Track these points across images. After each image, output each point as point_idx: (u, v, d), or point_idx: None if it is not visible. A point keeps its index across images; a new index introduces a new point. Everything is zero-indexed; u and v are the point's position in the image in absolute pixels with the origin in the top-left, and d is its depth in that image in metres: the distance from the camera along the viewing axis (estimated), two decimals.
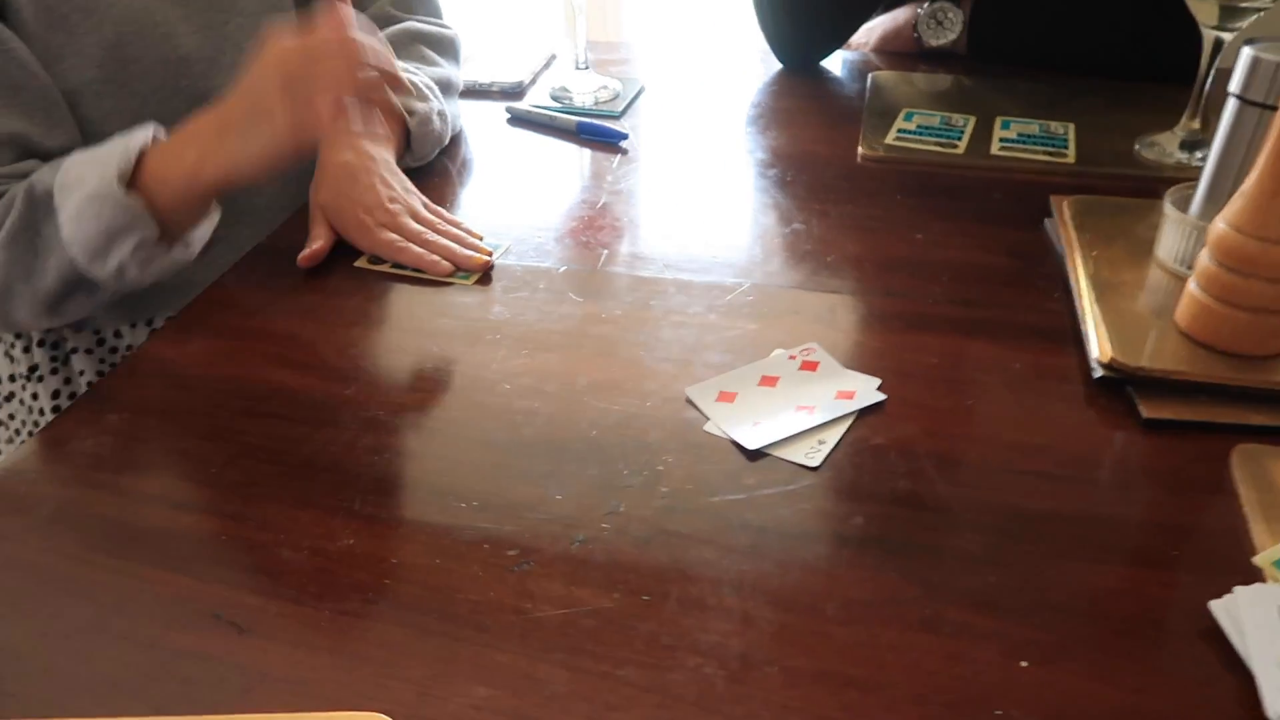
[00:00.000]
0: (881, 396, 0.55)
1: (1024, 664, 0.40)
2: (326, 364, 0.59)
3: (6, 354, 0.75)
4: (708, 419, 0.54)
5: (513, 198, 0.79)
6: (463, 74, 0.95)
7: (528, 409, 0.55)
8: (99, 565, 0.46)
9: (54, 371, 0.74)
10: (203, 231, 0.66)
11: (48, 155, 0.64)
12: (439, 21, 0.89)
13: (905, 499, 0.49)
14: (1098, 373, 0.56)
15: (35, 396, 0.75)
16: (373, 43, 0.59)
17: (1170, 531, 0.46)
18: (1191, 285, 0.56)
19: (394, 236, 0.68)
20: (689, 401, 0.55)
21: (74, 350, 0.74)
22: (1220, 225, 0.54)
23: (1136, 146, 0.83)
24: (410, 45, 0.84)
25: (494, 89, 0.99)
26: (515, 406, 0.55)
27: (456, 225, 0.71)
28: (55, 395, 0.75)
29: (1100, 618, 0.42)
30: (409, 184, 0.73)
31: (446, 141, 0.84)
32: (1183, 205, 0.63)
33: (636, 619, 0.43)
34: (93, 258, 0.59)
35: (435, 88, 0.80)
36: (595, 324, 0.63)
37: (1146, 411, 0.53)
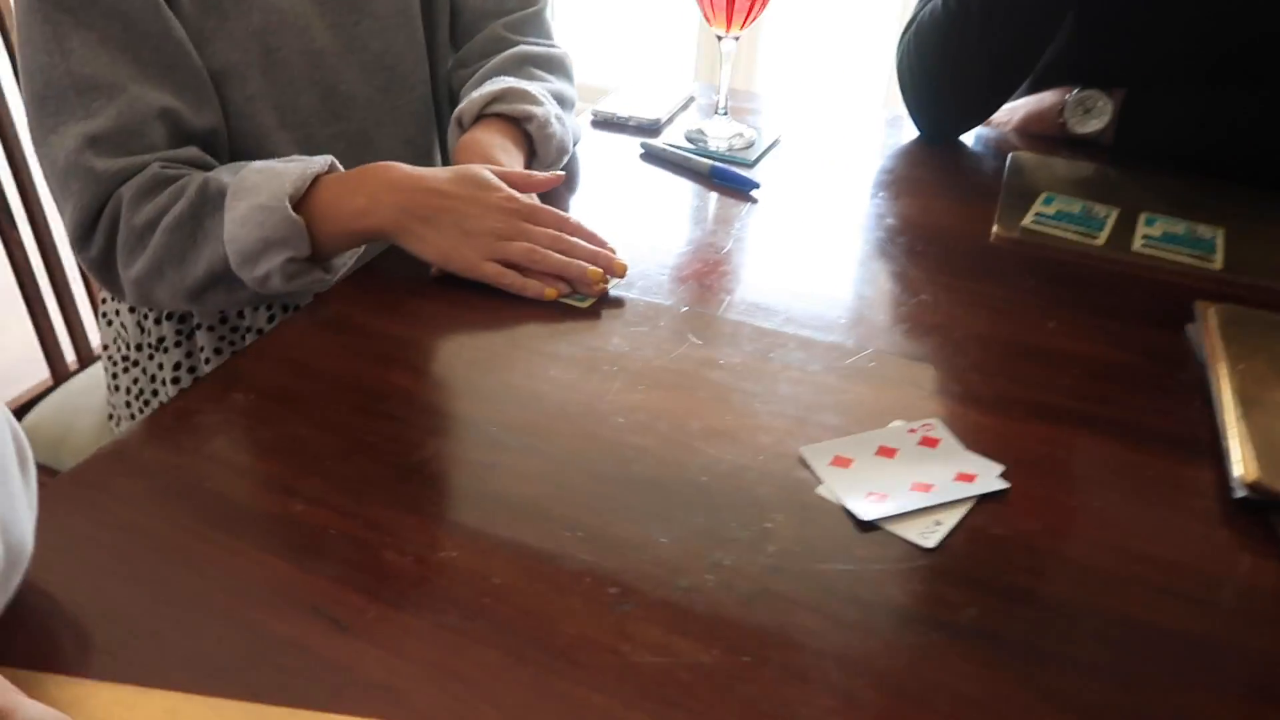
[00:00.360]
0: (1004, 485, 0.53)
1: None
2: (445, 372, 0.60)
3: (139, 324, 0.77)
4: (820, 481, 0.53)
5: (639, 231, 0.79)
6: (602, 107, 0.96)
7: (638, 446, 0.55)
8: (211, 540, 0.47)
9: (178, 344, 0.76)
10: (346, 259, 0.68)
11: (194, 134, 0.66)
12: (549, 42, 0.90)
13: (1023, 596, 0.46)
14: (1239, 493, 0.53)
15: (161, 367, 0.77)
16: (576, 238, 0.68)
17: None
18: None
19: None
20: (802, 461, 0.54)
21: (199, 326, 0.76)
22: None
23: None
24: (521, 68, 0.85)
25: (630, 123, 1.00)
26: (626, 442, 0.55)
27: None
28: (176, 368, 0.77)
29: None
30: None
31: (570, 150, 0.84)
32: None
33: (736, 680, 0.41)
34: (244, 261, 0.62)
35: (549, 96, 0.81)
36: (712, 369, 0.62)
37: None
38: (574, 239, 0.68)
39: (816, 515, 0.51)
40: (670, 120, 1.02)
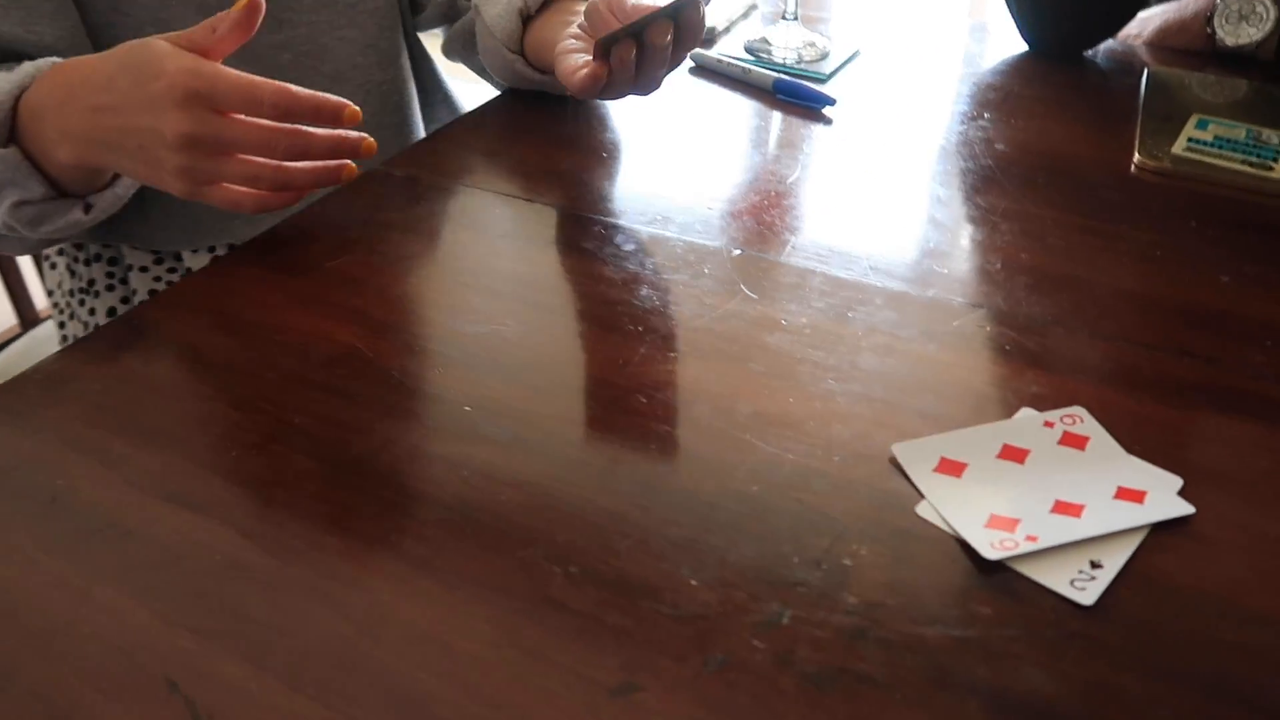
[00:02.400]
0: (1188, 508, 0.37)
1: None
2: (411, 331, 0.45)
3: (69, 267, 0.65)
4: (922, 496, 0.37)
5: (685, 159, 0.63)
6: None
7: (665, 438, 0.40)
8: (43, 570, 0.33)
9: (110, 289, 0.63)
10: (109, 200, 0.53)
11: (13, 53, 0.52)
12: None
13: (1234, 688, 0.31)
14: None
15: (92, 313, 0.64)
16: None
17: None
18: None
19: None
20: (895, 464, 0.39)
21: (130, 268, 0.63)
22: None
23: None
24: None
25: None
26: (649, 431, 0.40)
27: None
28: (111, 313, 0.64)
29: None
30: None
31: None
32: None
33: None
34: None
35: None
36: (772, 331, 0.46)
37: None
38: (291, 130, 0.47)
39: (918, 549, 0.35)
40: (728, 30, 0.86)
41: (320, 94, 0.47)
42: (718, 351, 0.45)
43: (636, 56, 0.54)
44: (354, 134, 0.49)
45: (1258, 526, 0.37)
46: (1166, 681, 0.31)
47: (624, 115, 0.69)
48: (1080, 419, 0.41)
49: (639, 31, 0.54)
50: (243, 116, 0.46)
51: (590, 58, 0.55)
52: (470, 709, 0.29)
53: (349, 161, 0.50)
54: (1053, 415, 0.42)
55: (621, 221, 0.55)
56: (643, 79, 0.56)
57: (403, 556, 0.34)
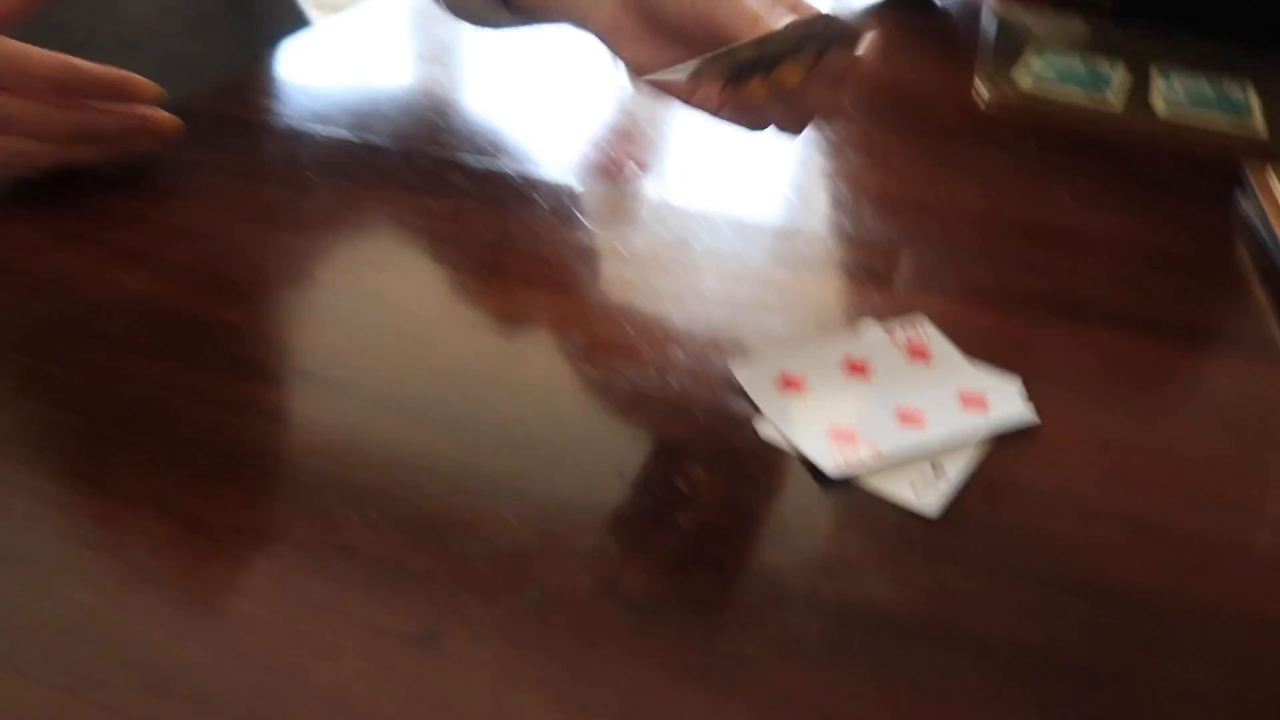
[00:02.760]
0: (1032, 414, 0.36)
1: None
2: (203, 270, 0.40)
3: None
4: (761, 413, 0.35)
5: (522, 90, 0.60)
6: None
7: (485, 370, 0.36)
8: None
9: None
10: None
11: None
12: None
13: (1083, 586, 0.29)
14: None
15: None
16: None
17: None
18: None
19: None
20: (734, 385, 0.36)
21: None
22: None
23: None
24: None
25: None
26: (467, 365, 0.36)
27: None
28: None
29: None
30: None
31: None
32: None
33: None
34: None
35: None
36: (610, 260, 0.43)
37: None
38: (71, 110, 0.42)
39: (756, 469, 0.33)
40: None
41: (109, 69, 0.41)
42: (549, 280, 0.42)
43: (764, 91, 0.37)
44: (155, 113, 0.43)
45: (1097, 427, 0.36)
46: (1010, 580, 0.29)
47: (463, 46, 0.64)
48: (920, 325, 0.40)
49: (768, 64, 0.37)
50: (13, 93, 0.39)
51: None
52: (238, 676, 0.25)
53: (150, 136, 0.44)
54: (896, 325, 0.40)
55: (455, 155, 0.51)
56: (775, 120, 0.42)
57: (168, 513, 0.29)
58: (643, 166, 0.52)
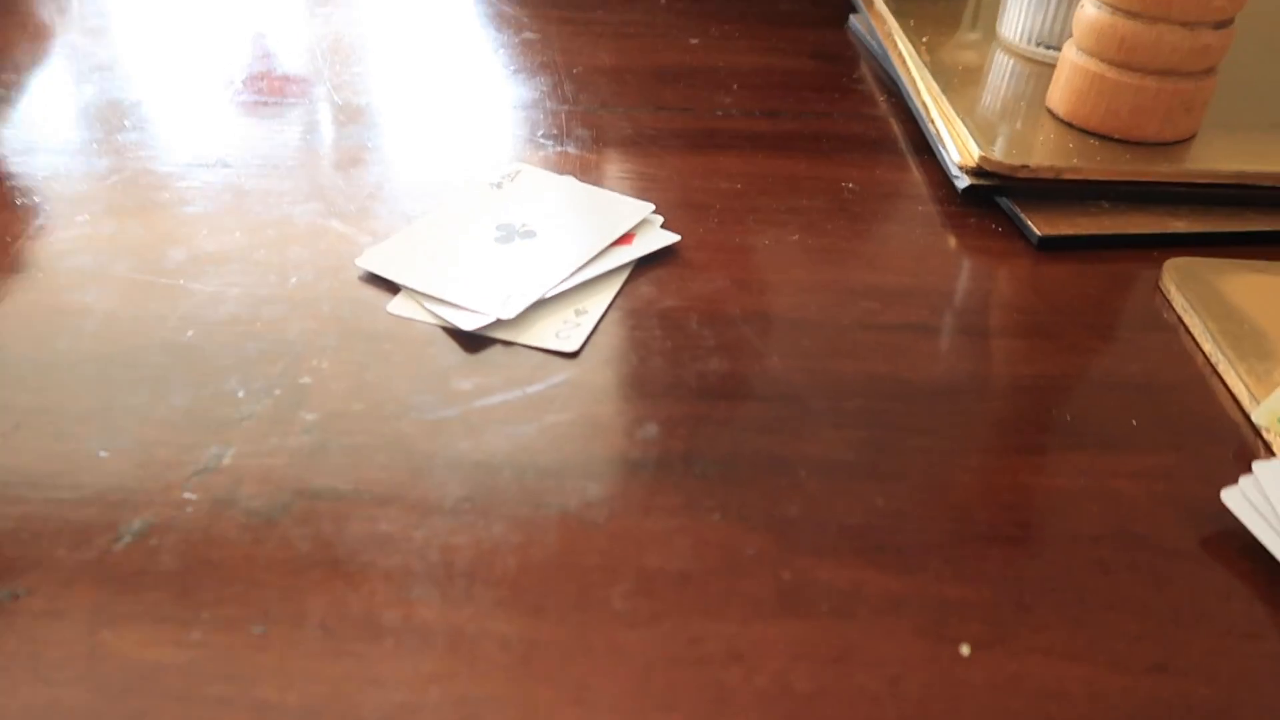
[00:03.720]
0: (673, 236, 0.36)
1: (964, 650, 0.22)
2: None
3: None
4: (397, 293, 0.33)
5: (129, 23, 0.53)
6: None
7: (63, 305, 0.31)
8: None
9: None
10: None
11: None
12: None
13: (721, 388, 0.30)
14: (963, 182, 0.39)
15: None
16: None
17: (1118, 392, 0.30)
18: (1072, 52, 0.40)
19: None
20: (367, 277, 0.34)
21: None
22: None
23: None
24: None
25: None
26: (41, 303, 0.32)
27: None
28: None
29: (1061, 548, 0.25)
30: None
31: None
32: None
33: (236, 664, 0.21)
34: None
35: None
36: (214, 170, 0.39)
37: (1040, 228, 0.37)
38: None
39: (391, 348, 0.31)
40: None
41: None
42: (139, 202, 0.37)
43: None
44: None
45: (734, 243, 0.36)
46: (652, 399, 0.29)
47: None
48: (523, 170, 0.39)
49: None
50: None
51: None
52: None
53: None
54: (496, 175, 0.38)
55: (13, 89, 0.44)
56: None
57: None
58: (250, 69, 0.47)
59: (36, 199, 0.37)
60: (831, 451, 0.27)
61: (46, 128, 0.41)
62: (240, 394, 0.28)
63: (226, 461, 0.26)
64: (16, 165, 0.39)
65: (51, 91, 0.44)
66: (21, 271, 0.33)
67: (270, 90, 0.46)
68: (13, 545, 0.24)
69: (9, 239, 0.34)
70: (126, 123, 0.42)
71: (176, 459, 0.26)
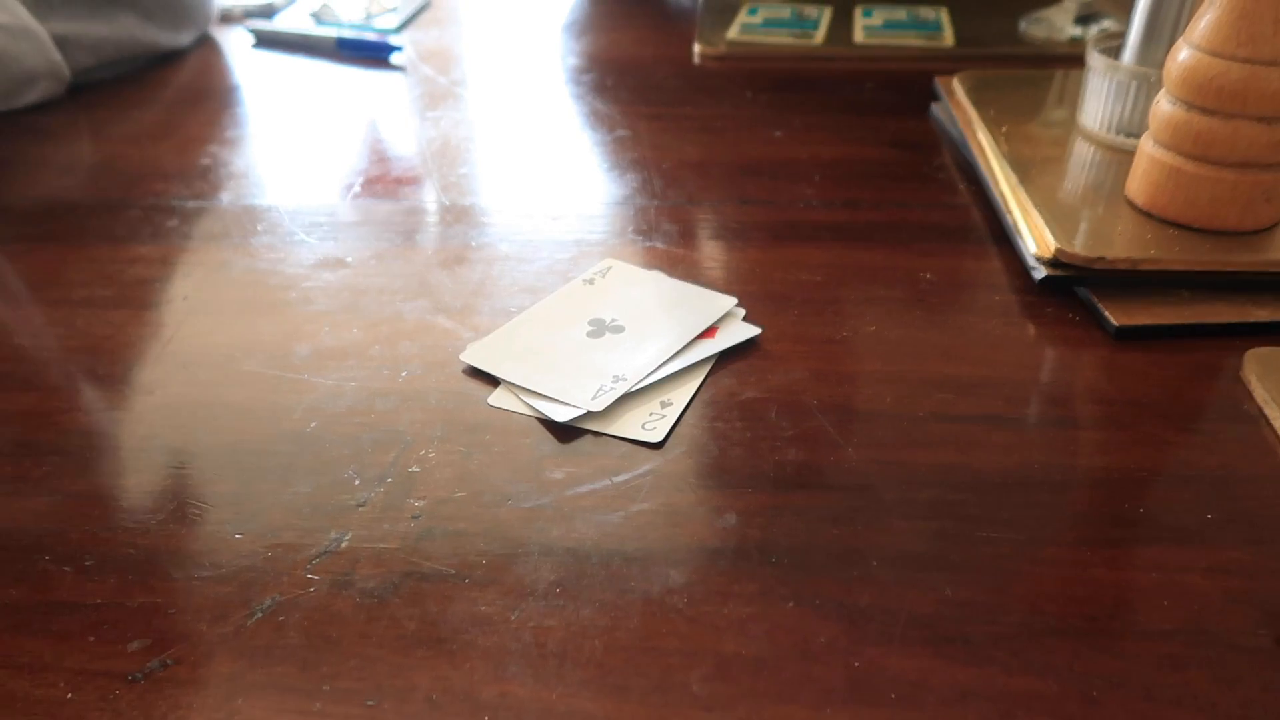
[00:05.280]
0: (754, 329, 0.38)
1: None
2: None
3: None
4: (496, 386, 0.35)
5: (237, 127, 0.58)
6: None
7: (203, 398, 0.35)
8: None
9: None
10: None
11: None
12: None
13: (797, 478, 0.31)
14: (1040, 273, 0.40)
15: None
16: None
17: (1194, 485, 0.31)
18: (1149, 145, 0.41)
19: None
20: (470, 370, 0.37)
21: None
22: (1186, 53, 0.38)
23: (1022, 25, 0.69)
24: None
25: (237, 12, 0.78)
26: (185, 396, 0.35)
27: None
28: None
29: (1130, 642, 0.26)
30: None
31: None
32: (1113, 57, 0.48)
33: None
34: None
35: None
36: (334, 269, 0.43)
37: (1117, 318, 0.38)
38: None
39: (491, 438, 0.33)
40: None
41: None
42: (270, 302, 0.41)
43: None
44: None
45: (813, 334, 0.38)
46: (731, 489, 0.31)
47: (176, 86, 0.62)
48: (613, 266, 0.41)
49: None
50: None
51: None
52: None
53: None
54: (589, 272, 0.41)
55: (161, 199, 0.49)
56: None
57: None
58: (367, 175, 0.52)
59: (182, 300, 0.41)
60: (903, 542, 0.29)
61: (193, 237, 0.46)
62: (356, 482, 0.31)
63: (344, 545, 0.29)
64: (162, 270, 0.44)
65: (196, 200, 0.49)
66: (168, 368, 0.37)
67: (384, 192, 0.50)
68: (164, 619, 0.27)
69: (158, 339, 0.39)
70: (259, 227, 0.47)
71: (301, 542, 0.29)
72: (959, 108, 0.54)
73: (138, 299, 0.41)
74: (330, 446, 0.33)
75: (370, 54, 0.68)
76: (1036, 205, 0.42)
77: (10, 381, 0.36)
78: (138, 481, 0.32)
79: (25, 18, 0.58)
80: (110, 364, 0.37)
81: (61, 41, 0.59)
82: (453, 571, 0.28)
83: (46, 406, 0.35)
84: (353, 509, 0.30)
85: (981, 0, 0.73)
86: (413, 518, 0.30)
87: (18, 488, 0.32)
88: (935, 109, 0.57)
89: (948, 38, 0.67)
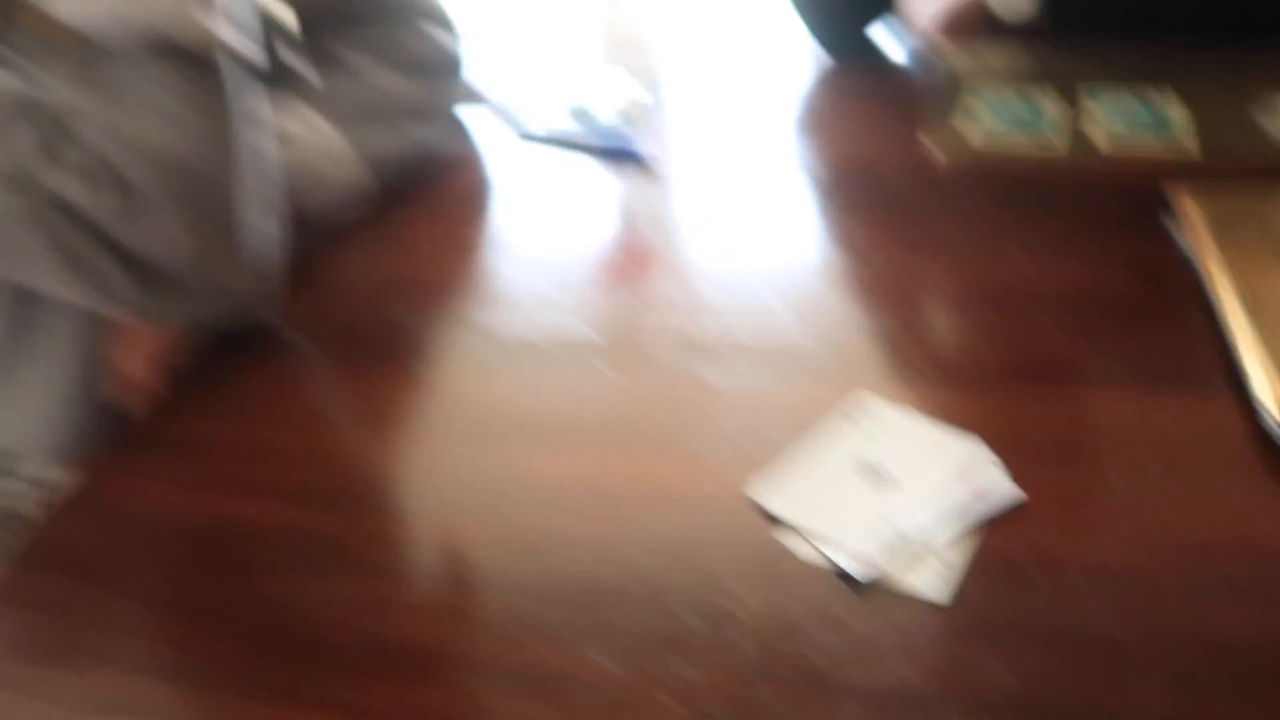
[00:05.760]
0: (1018, 493, 0.43)
1: None
2: (292, 486, 0.48)
3: None
4: (786, 528, 0.43)
5: (518, 243, 0.67)
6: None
7: (561, 534, 0.44)
8: None
9: None
10: None
11: None
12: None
13: (1062, 639, 0.37)
14: (1276, 430, 0.43)
15: None
16: None
17: None
18: None
19: None
20: (761, 508, 0.44)
21: None
22: None
23: (1260, 118, 0.69)
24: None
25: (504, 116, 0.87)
26: (548, 528, 0.44)
27: None
28: None
29: None
30: None
31: (352, 186, 0.67)
32: None
33: None
34: None
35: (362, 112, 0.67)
36: (633, 403, 0.51)
37: None
38: None
39: (782, 576, 0.40)
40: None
41: None
42: (590, 437, 0.49)
43: None
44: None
45: (1062, 487, 0.43)
46: (1006, 651, 0.36)
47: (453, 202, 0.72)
48: (868, 402, 0.47)
49: None
50: None
51: None
52: None
53: None
54: (847, 405, 0.47)
55: (493, 320, 0.58)
56: None
57: (337, 705, 0.37)
58: (640, 298, 0.59)
59: (516, 430, 0.50)
60: (1153, 704, 0.34)
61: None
62: (681, 615, 0.39)
63: (692, 675, 0.37)
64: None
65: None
66: (506, 505, 0.46)
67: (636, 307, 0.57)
68: None
69: (503, 467, 0.48)
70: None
71: (647, 664, 0.37)
72: (1194, 231, 0.56)
73: (465, 425, 0.51)
74: (660, 581, 0.41)
75: (621, 158, 0.76)
76: (1271, 350, 0.45)
77: None
78: (520, 605, 0.40)
79: (337, 141, 0.66)
80: (432, 484, 0.47)
81: (369, 160, 0.68)
82: (774, 707, 0.35)
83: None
84: (686, 642, 0.38)
85: (1211, 80, 0.74)
86: (733, 651, 0.37)
87: (398, 602, 0.41)
88: (1168, 222, 0.59)
89: (1190, 141, 0.68)
